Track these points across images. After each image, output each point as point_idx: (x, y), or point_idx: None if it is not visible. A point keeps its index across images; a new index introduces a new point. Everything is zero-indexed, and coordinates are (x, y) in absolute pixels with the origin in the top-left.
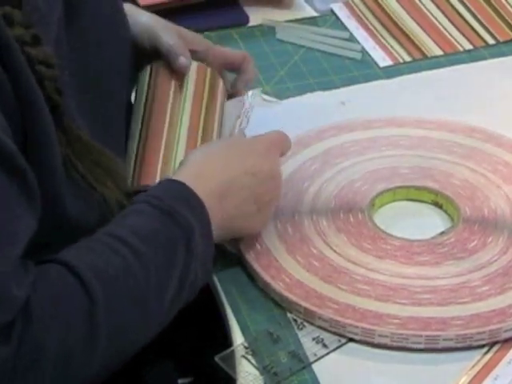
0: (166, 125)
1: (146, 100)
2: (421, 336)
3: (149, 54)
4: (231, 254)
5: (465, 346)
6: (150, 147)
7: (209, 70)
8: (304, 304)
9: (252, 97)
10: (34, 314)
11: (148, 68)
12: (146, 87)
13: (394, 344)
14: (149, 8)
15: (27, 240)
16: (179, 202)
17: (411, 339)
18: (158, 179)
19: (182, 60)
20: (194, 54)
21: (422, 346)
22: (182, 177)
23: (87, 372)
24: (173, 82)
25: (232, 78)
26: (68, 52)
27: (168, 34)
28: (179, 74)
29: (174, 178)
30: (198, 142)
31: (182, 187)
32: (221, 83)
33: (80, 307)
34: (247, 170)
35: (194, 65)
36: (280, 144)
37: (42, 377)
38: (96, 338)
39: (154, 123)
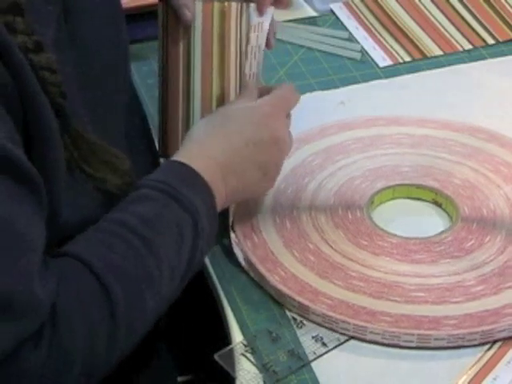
0: (180, 88)
1: (162, 55)
2: (413, 335)
3: None
4: (231, 254)
5: (456, 346)
6: (170, 114)
7: (215, 4)
8: (298, 298)
9: (259, 29)
10: (59, 319)
11: (160, 6)
12: (160, 29)
13: (386, 342)
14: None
15: (44, 245)
16: (185, 185)
17: (403, 337)
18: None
19: (185, 14)
20: None
21: (413, 345)
22: (184, 156)
23: (108, 366)
24: (181, 30)
25: None
26: (68, 53)
27: None
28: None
29: (176, 158)
30: (214, 99)
31: (184, 169)
32: (233, 13)
33: (101, 307)
34: (247, 141)
35: (199, 5)
36: (283, 105)
37: (69, 378)
38: (117, 334)
39: (170, 87)
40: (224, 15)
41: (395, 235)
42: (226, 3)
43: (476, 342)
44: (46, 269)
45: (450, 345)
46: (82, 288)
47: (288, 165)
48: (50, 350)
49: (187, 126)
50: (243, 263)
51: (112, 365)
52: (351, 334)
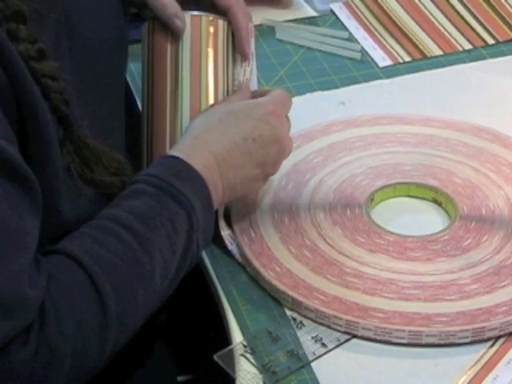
0: (168, 97)
1: (148, 68)
2: (404, 331)
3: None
4: (231, 255)
5: (447, 344)
6: (157, 123)
7: (203, 18)
8: (291, 293)
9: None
10: (47, 316)
11: (146, 25)
12: (146, 50)
13: (378, 338)
14: None
15: (37, 245)
16: (178, 179)
17: (394, 334)
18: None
19: (177, 24)
20: None
21: (405, 341)
22: (180, 150)
23: (100, 362)
24: (168, 44)
25: None
26: (66, 58)
27: None
28: (174, 34)
29: (171, 152)
30: (203, 107)
31: (179, 163)
32: (220, 29)
33: (91, 304)
34: (246, 136)
35: (188, 18)
36: (283, 105)
37: (58, 375)
38: (108, 330)
39: (156, 96)
40: (212, 28)
41: (392, 233)
42: (212, 17)
43: (468, 340)
44: (37, 267)
45: (441, 342)
46: (72, 285)
47: (290, 161)
48: (38, 347)
49: (175, 141)
50: (240, 259)
51: (104, 361)
52: (343, 329)
